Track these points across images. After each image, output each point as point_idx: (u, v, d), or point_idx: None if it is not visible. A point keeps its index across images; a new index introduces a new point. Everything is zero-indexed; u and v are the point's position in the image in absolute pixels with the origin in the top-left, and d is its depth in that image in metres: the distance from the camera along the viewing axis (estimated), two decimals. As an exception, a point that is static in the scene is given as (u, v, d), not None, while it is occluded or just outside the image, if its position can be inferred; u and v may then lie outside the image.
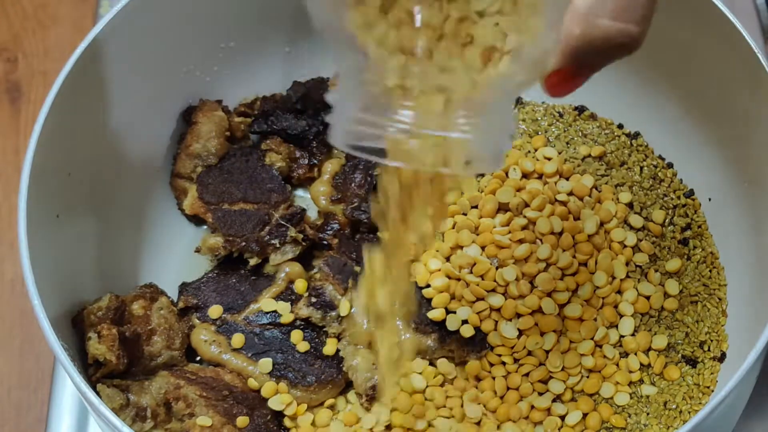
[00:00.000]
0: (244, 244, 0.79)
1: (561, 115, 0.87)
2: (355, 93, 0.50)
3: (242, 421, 0.72)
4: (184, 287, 0.80)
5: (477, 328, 0.75)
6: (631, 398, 0.75)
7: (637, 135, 0.86)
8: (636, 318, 0.77)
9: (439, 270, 0.77)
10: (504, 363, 0.75)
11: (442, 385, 0.75)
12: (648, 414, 0.75)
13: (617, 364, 0.76)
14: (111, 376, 0.71)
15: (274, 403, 0.74)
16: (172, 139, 0.85)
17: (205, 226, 0.84)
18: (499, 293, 0.76)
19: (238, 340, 0.77)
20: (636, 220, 0.81)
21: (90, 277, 0.76)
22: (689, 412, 0.74)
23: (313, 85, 0.86)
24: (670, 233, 0.82)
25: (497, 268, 0.77)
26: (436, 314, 0.75)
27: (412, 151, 0.49)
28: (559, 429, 0.73)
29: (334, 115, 0.51)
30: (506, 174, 0.82)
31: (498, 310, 0.76)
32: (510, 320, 0.75)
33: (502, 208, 0.80)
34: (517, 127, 0.53)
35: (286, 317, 0.77)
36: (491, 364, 0.75)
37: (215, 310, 0.78)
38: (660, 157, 0.85)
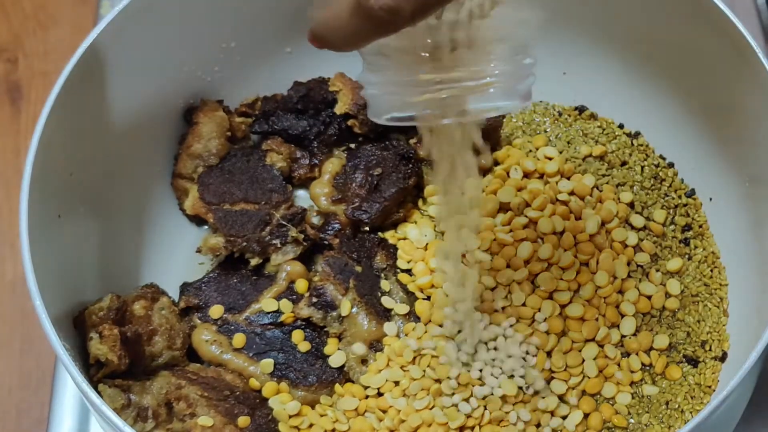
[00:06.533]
0: (245, 244, 0.79)
1: (561, 115, 0.87)
2: (387, 66, 0.56)
3: (243, 421, 0.72)
4: (185, 287, 0.80)
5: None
6: (633, 398, 0.75)
7: (637, 134, 0.86)
8: (637, 318, 0.77)
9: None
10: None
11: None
12: (649, 414, 0.75)
13: (619, 364, 0.76)
14: (112, 377, 0.71)
15: (275, 403, 0.74)
16: (173, 139, 0.85)
17: (206, 227, 0.84)
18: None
19: (239, 340, 0.77)
20: (637, 220, 0.81)
21: (91, 277, 0.76)
22: (691, 412, 0.74)
23: (313, 85, 0.86)
24: (671, 233, 0.82)
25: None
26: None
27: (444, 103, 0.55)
28: (560, 429, 0.73)
29: (370, 92, 0.57)
30: (507, 174, 0.82)
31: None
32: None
33: (503, 207, 0.80)
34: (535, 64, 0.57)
35: (287, 317, 0.77)
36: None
37: (216, 310, 0.78)
38: (661, 156, 0.85)
